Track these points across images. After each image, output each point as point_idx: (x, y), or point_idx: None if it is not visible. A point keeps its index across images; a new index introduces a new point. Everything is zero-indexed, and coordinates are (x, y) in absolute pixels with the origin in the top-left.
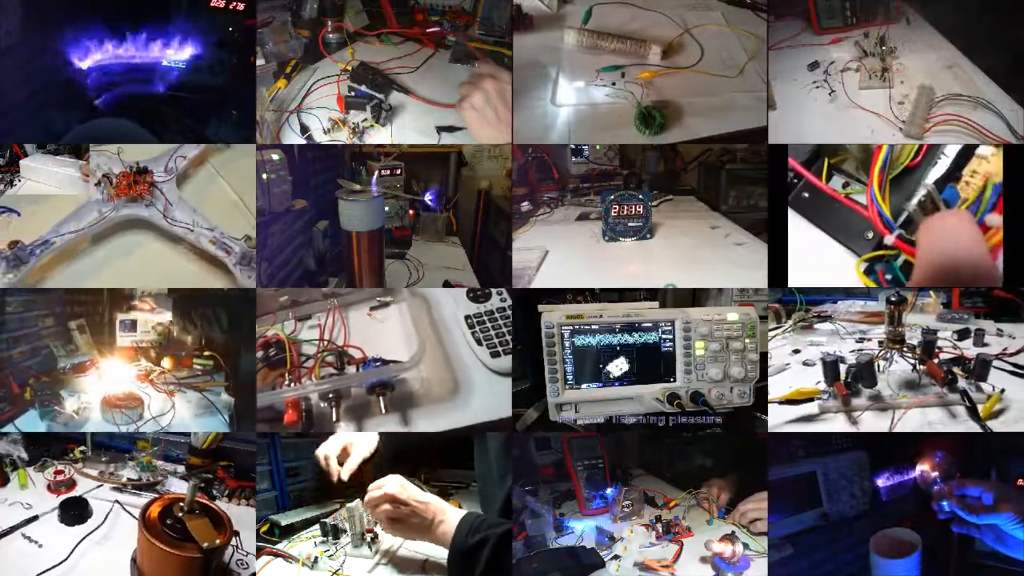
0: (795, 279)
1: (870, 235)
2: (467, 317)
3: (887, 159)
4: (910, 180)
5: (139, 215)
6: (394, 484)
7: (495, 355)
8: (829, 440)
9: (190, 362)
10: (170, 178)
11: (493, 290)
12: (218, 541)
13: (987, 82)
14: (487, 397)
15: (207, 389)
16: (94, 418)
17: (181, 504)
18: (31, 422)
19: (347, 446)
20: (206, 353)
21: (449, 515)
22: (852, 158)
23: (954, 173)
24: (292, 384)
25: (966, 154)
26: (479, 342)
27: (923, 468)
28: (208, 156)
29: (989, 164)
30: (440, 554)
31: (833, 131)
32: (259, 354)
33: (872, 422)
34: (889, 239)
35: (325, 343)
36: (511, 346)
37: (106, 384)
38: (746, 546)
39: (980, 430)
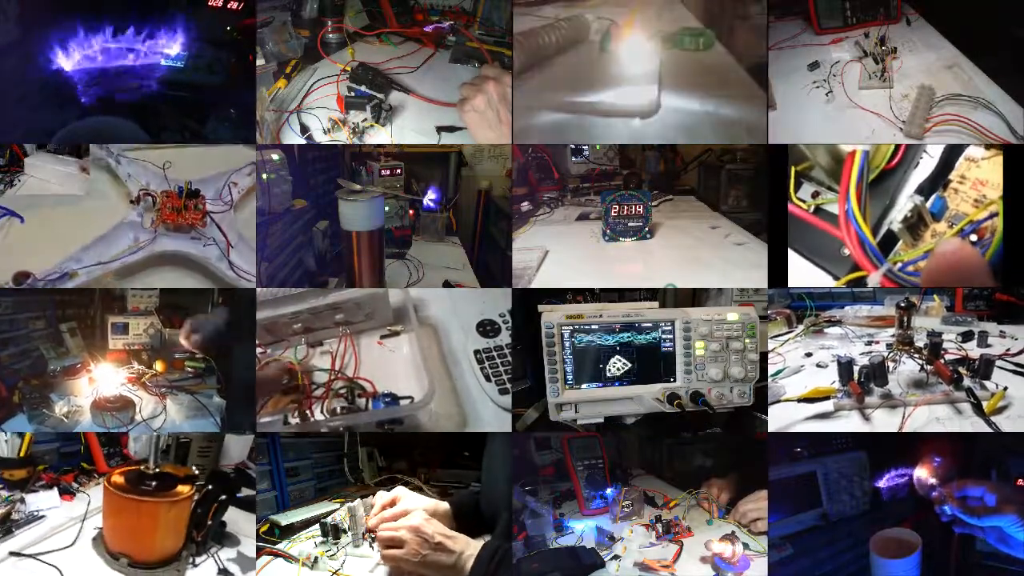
0: (794, 280)
1: (847, 252)
2: (476, 352)
3: (863, 168)
4: (888, 184)
5: (187, 252)
6: (417, 515)
7: (503, 392)
8: (829, 440)
9: (182, 364)
10: (226, 209)
11: (502, 324)
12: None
13: (987, 82)
14: (496, 431)
15: (199, 392)
16: (84, 421)
17: (146, 466)
18: (20, 425)
19: (395, 499)
20: (198, 356)
21: (473, 548)
22: (818, 165)
23: (940, 178)
24: (304, 415)
25: (953, 155)
26: (487, 378)
27: (919, 475)
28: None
29: (979, 168)
30: None
31: (833, 131)
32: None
33: (884, 419)
34: (874, 278)
35: (336, 373)
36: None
37: (97, 387)
38: (746, 546)
39: (985, 425)
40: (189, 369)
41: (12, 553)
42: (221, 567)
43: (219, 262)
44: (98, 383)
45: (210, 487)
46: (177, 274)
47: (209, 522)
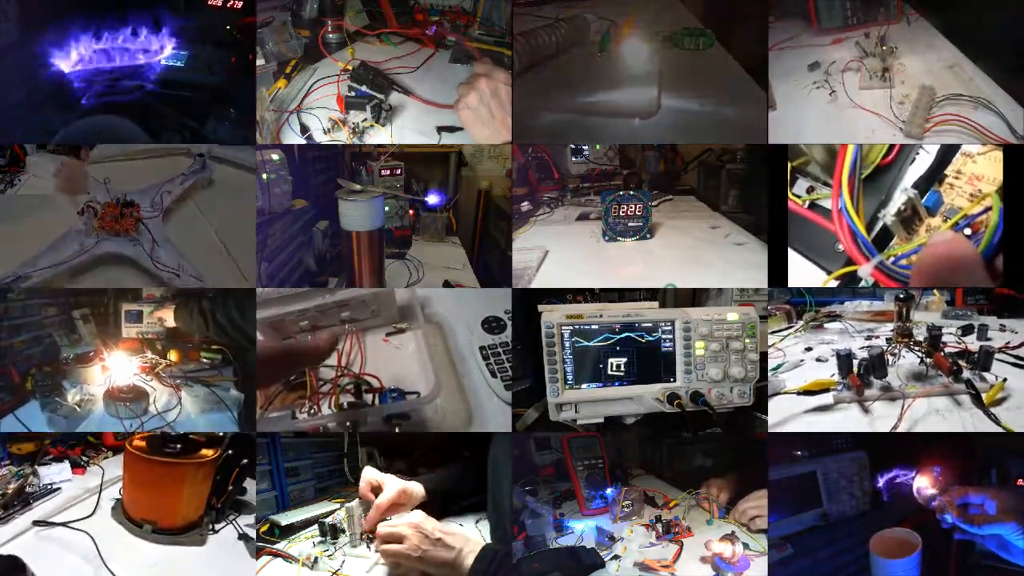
0: (793, 279)
1: (841, 248)
2: (482, 348)
3: (856, 161)
4: (884, 180)
5: (123, 252)
6: (417, 513)
7: (509, 388)
8: (829, 440)
9: (197, 355)
10: (156, 214)
11: (507, 320)
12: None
13: (987, 82)
14: (500, 428)
15: (215, 384)
16: (97, 410)
17: (166, 432)
18: (32, 413)
19: (379, 484)
20: (214, 347)
21: (473, 545)
22: (814, 161)
23: (936, 173)
24: (312, 410)
25: (950, 151)
26: (493, 374)
27: (919, 484)
28: (192, 193)
29: (975, 164)
30: None
31: (833, 131)
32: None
33: (883, 411)
34: (866, 270)
35: (342, 369)
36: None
37: (110, 376)
38: (746, 546)
39: (984, 416)
40: (205, 360)
41: (36, 522)
42: (241, 533)
43: (146, 260)
44: (111, 372)
45: (231, 452)
46: (119, 272)
47: (230, 488)
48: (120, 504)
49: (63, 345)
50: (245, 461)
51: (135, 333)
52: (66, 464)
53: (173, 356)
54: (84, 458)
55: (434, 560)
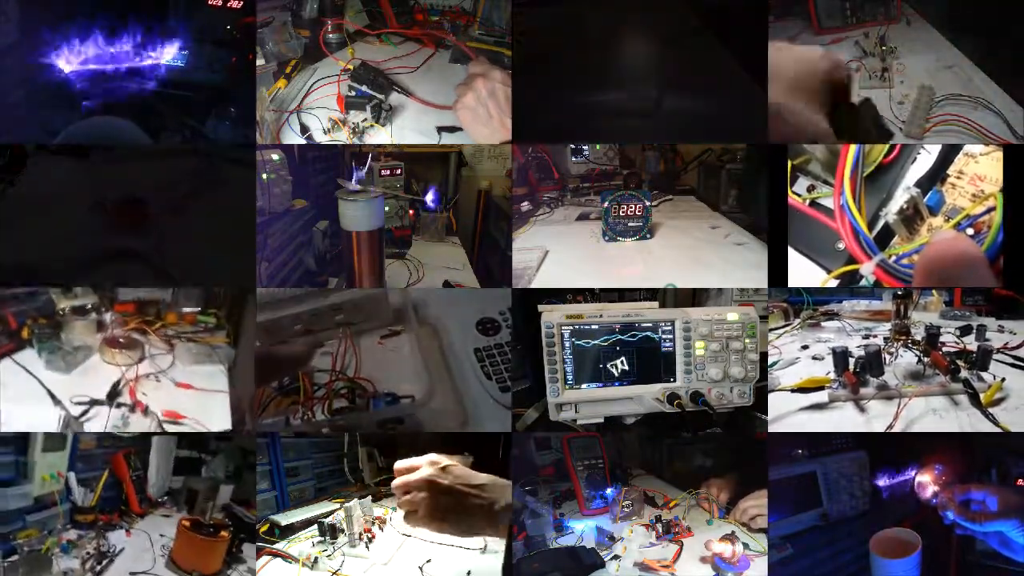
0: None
1: (841, 246)
2: (476, 351)
3: (858, 160)
4: (885, 179)
5: (132, 247)
6: (427, 469)
7: (504, 390)
8: (829, 440)
9: (193, 318)
10: (165, 212)
11: (502, 322)
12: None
13: (987, 82)
14: (496, 431)
15: (207, 343)
16: (93, 359)
17: (202, 518)
18: (29, 359)
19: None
20: (209, 310)
21: (502, 490)
22: (816, 159)
23: (939, 173)
24: (305, 416)
25: (952, 151)
26: (488, 376)
27: (921, 480)
28: (201, 191)
29: (977, 164)
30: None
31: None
32: (273, 383)
33: (879, 409)
34: (868, 268)
35: (337, 374)
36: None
37: (106, 330)
38: (746, 546)
39: (982, 416)
40: (200, 323)
41: (132, 574)
42: None
43: (154, 256)
44: (108, 326)
45: (232, 528)
46: (128, 267)
47: (234, 550)
48: (170, 558)
49: (59, 300)
50: (242, 535)
51: (132, 297)
52: (120, 531)
53: (169, 319)
54: (124, 523)
55: (468, 513)
